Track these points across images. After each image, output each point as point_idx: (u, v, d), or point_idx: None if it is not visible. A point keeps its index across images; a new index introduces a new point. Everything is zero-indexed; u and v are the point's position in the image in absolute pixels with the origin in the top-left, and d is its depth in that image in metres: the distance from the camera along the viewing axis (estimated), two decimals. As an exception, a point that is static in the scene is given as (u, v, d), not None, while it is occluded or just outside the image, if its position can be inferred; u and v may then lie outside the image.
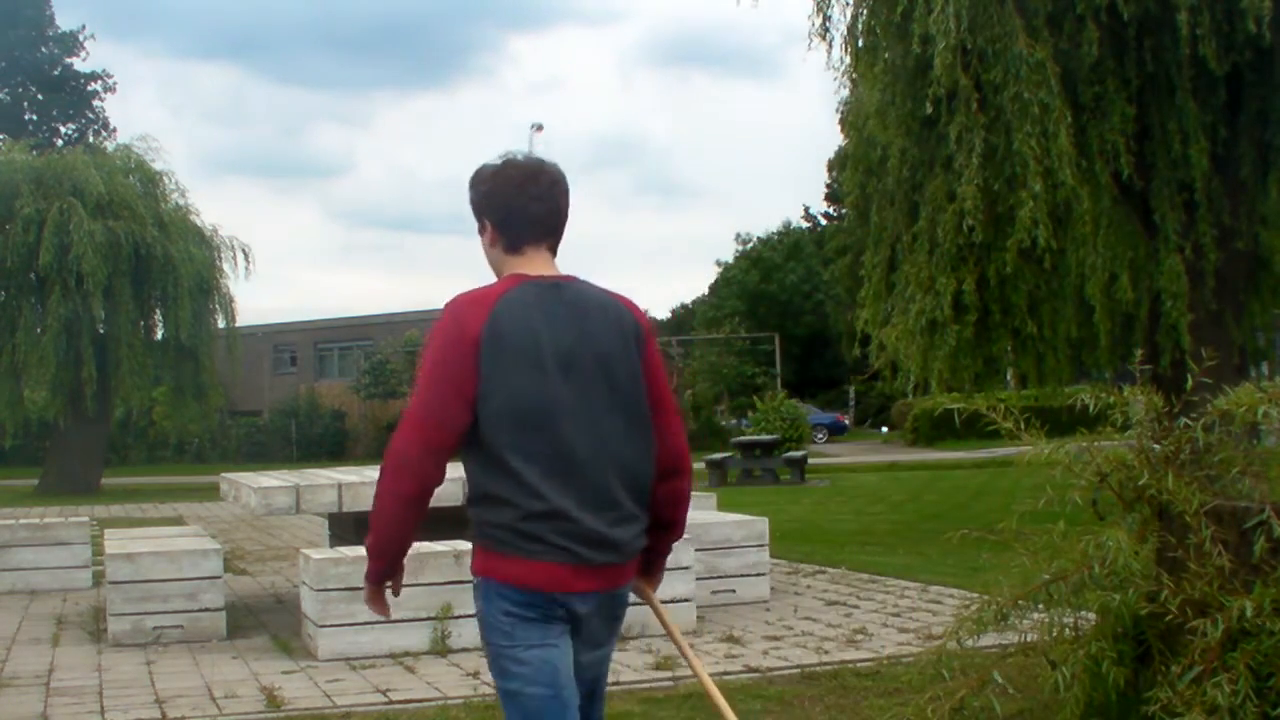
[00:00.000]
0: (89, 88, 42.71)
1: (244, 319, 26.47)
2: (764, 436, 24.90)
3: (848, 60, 12.88)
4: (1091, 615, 4.37)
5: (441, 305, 2.88)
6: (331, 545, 8.56)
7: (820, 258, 49.48)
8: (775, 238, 54.47)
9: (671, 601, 7.13)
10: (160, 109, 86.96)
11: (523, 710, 2.80)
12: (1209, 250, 11.85)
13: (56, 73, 42.08)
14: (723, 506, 10.60)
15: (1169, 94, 11.61)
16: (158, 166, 24.08)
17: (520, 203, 2.94)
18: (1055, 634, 4.37)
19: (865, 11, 12.39)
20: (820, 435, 38.66)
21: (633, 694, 5.60)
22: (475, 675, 6.08)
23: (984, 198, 11.25)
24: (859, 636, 6.94)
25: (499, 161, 2.99)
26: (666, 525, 3.07)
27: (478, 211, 3.00)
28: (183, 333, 22.58)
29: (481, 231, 3.01)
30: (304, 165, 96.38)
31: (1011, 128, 10.91)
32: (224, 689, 6.02)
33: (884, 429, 42.96)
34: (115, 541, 8.14)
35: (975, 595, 6.33)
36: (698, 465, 24.64)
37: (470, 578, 2.89)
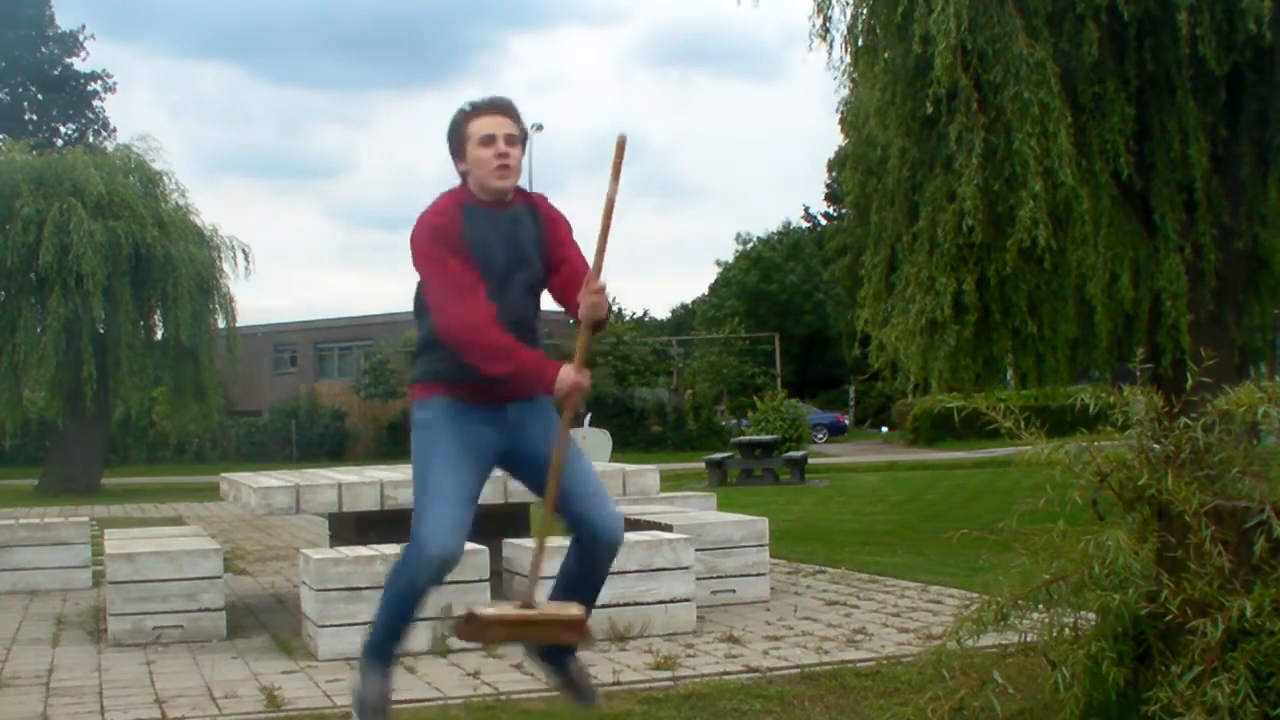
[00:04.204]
0: (89, 88, 42.70)
1: (244, 319, 26.45)
2: (764, 436, 24.89)
3: (848, 60, 12.90)
4: (1091, 615, 4.36)
5: None
6: (331, 545, 8.55)
7: (820, 258, 49.51)
8: (775, 238, 54.47)
9: (671, 601, 7.14)
10: (160, 109, 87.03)
11: None
12: (1209, 250, 11.86)
13: (56, 73, 42.06)
14: (723, 506, 10.59)
15: (1169, 94, 11.62)
16: (158, 166, 24.05)
17: None
18: (1055, 634, 4.37)
19: (865, 11, 12.40)
20: (820, 435, 38.65)
21: (633, 694, 5.58)
22: (475, 675, 6.07)
23: (984, 198, 11.25)
24: (859, 636, 6.94)
25: None
26: None
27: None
28: (183, 333, 22.53)
29: None
30: (304, 165, 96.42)
31: (1011, 128, 10.92)
32: (224, 689, 6.01)
33: (884, 429, 42.97)
34: (115, 541, 8.13)
35: (975, 595, 6.33)
36: (698, 465, 24.65)
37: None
